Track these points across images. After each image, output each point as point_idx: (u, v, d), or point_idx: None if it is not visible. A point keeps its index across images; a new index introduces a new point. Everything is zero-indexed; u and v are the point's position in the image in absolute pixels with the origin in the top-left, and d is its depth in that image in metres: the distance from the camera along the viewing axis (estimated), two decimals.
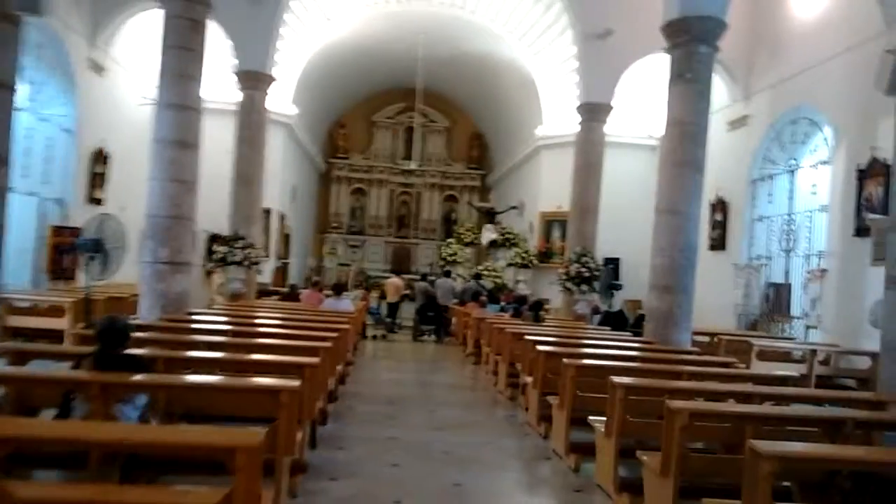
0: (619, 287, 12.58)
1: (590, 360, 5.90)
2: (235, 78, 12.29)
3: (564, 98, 16.56)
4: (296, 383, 3.78)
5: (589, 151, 12.79)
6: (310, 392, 4.34)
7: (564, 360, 5.28)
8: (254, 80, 12.18)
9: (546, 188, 17.62)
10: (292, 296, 11.37)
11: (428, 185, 24.75)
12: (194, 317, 7.49)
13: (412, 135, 23.80)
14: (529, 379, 6.50)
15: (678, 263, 8.45)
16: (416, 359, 11.27)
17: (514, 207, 18.98)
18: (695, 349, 8.19)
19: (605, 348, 7.28)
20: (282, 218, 17.71)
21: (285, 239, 18.61)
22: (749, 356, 9.21)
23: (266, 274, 16.42)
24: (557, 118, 17.06)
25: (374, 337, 13.81)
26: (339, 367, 6.41)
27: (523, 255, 17.23)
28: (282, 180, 17.37)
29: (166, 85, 8.16)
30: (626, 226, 15.96)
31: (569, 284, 12.19)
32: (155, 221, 8.11)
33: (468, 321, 11.83)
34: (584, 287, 12.07)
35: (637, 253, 16.23)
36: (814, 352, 8.67)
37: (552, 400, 5.58)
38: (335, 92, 21.47)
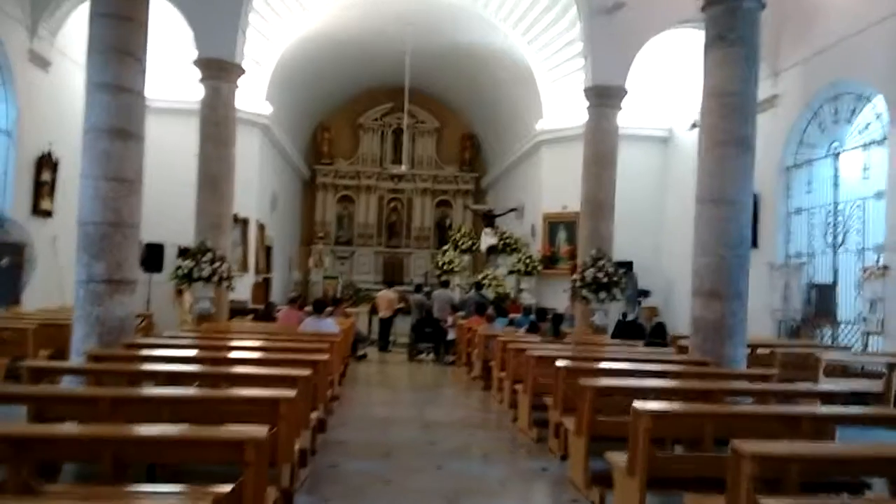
0: (647, 294, 11.09)
1: (672, 405, 4.32)
2: (196, 69, 10.75)
3: (567, 86, 15.16)
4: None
5: (601, 141, 11.33)
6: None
7: (635, 405, 3.73)
8: (218, 69, 10.66)
9: (549, 187, 16.17)
10: (267, 316, 9.81)
11: (419, 191, 23.27)
12: (133, 350, 5.92)
13: (400, 137, 22.28)
14: (569, 423, 4.94)
15: (728, 263, 7.00)
16: (414, 386, 9.72)
17: (513, 209, 17.52)
18: (763, 370, 6.68)
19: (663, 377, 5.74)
20: (261, 228, 16.15)
21: (266, 251, 17.04)
22: (809, 370, 7.80)
23: (244, 290, 14.87)
24: (559, 110, 15.66)
25: (360, 357, 12.20)
26: (315, 415, 4.88)
27: (526, 261, 15.75)
28: (260, 187, 15.84)
29: (98, 63, 6.64)
30: (637, 226, 14.53)
31: (584, 292, 10.68)
32: (87, 230, 6.56)
33: (472, 338, 10.31)
34: (603, 294, 10.57)
35: (651, 256, 14.84)
36: (893, 365, 7.22)
37: (615, 457, 3.99)
38: (316, 92, 19.98)
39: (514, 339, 7.92)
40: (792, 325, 10.73)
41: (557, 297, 15.03)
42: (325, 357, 5.13)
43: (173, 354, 5.46)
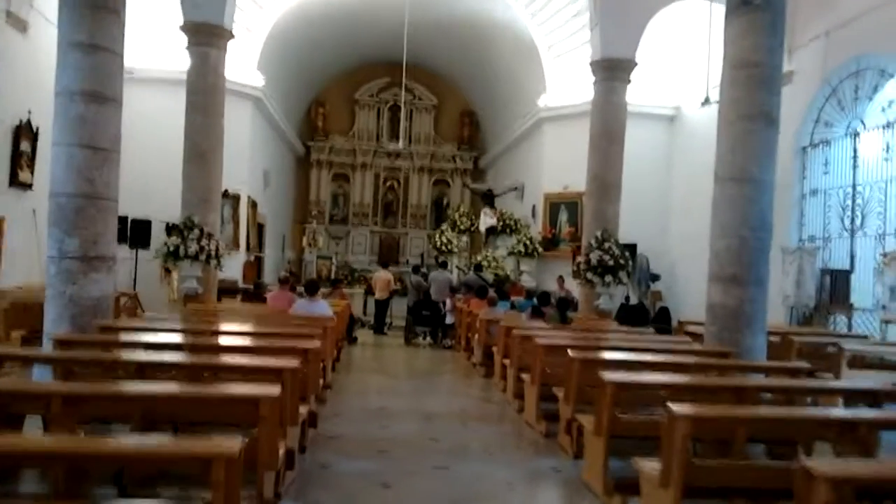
0: (657, 278, 10.65)
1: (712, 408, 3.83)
2: (183, 34, 10.14)
3: (572, 61, 14.59)
4: None
5: (609, 116, 10.82)
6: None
7: (672, 407, 3.26)
8: (206, 34, 10.06)
9: (550, 166, 15.65)
10: (257, 296, 9.32)
11: (416, 169, 22.68)
12: (106, 334, 5.43)
13: (397, 114, 21.72)
14: (584, 420, 4.48)
15: (749, 246, 6.54)
16: (412, 373, 9.26)
17: (514, 188, 16.99)
18: (794, 364, 6.23)
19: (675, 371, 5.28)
20: (253, 205, 15.62)
21: (258, 229, 16.52)
22: (825, 360, 7.37)
23: (235, 269, 14.38)
24: (563, 86, 15.09)
25: (353, 340, 11.72)
26: (305, 409, 4.39)
27: (527, 242, 15.27)
28: (251, 162, 15.28)
29: (70, 18, 6.09)
30: (642, 208, 14.02)
31: (589, 275, 10.23)
32: (60, 202, 6.06)
33: (473, 322, 9.86)
34: (609, 278, 10.12)
35: (655, 239, 14.36)
36: None
37: (644, 465, 3.51)
38: (310, 65, 19.32)
39: (519, 325, 7.47)
40: (804, 311, 10.31)
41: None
42: (316, 344, 4.67)
43: (149, 340, 4.99)
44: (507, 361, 6.87)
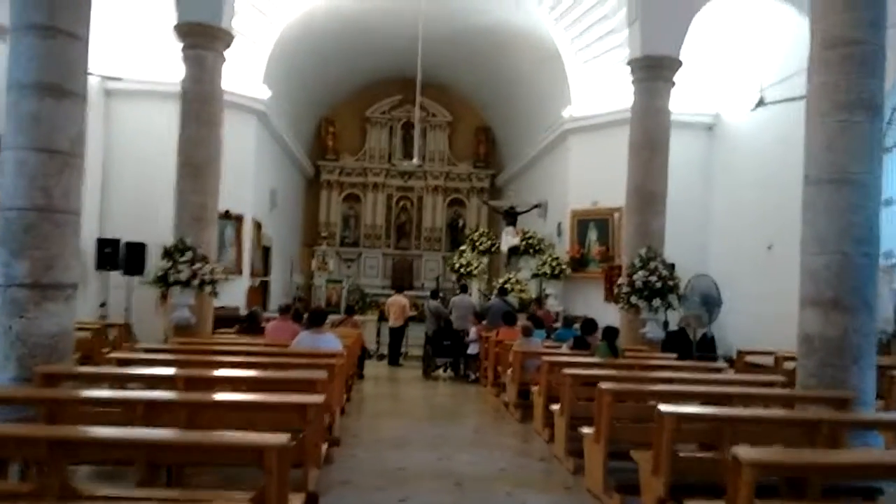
0: (719, 303, 9.38)
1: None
2: (175, 34, 9.12)
3: (601, 67, 13.51)
4: None
5: (650, 122, 9.67)
6: None
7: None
8: (202, 35, 9.03)
9: (577, 181, 14.48)
10: (253, 327, 8.13)
11: (430, 189, 21.63)
12: (49, 387, 4.26)
13: (410, 132, 20.64)
14: None
15: (854, 263, 5.31)
16: (434, 415, 7.90)
17: (537, 205, 15.81)
18: None
19: None
20: (258, 227, 14.52)
21: (264, 252, 15.41)
22: None
23: (238, 295, 13.26)
24: (590, 94, 13.99)
25: (360, 376, 10.45)
26: (300, 499, 3.16)
27: (553, 262, 14.04)
28: (256, 181, 14.22)
29: None
30: (680, 224, 12.79)
31: (634, 299, 8.99)
32: (7, 217, 4.94)
33: (501, 353, 8.62)
34: (657, 301, 8.87)
35: (695, 257, 13.07)
36: None
37: None
38: (319, 81, 18.36)
39: (570, 361, 6.20)
40: (881, 338, 8.99)
41: (589, 303, 13.35)
42: (318, 400, 3.48)
43: (97, 395, 3.82)
44: (554, 408, 5.64)
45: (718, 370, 6.51)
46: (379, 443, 6.11)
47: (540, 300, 12.55)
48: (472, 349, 10.53)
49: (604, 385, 4.39)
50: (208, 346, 6.69)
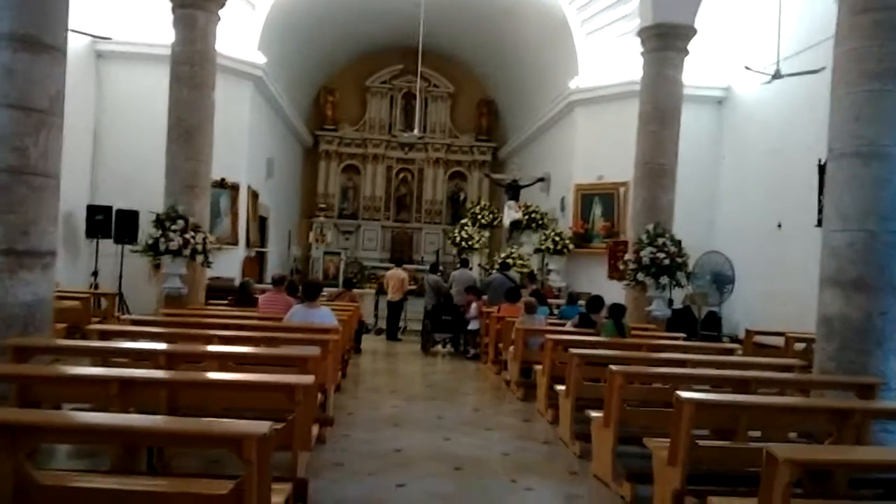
0: (731, 281, 9.09)
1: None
2: None
3: (608, 37, 13.07)
4: None
5: (661, 92, 9.30)
6: None
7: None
8: None
9: (583, 155, 14.13)
10: (245, 299, 7.84)
11: (431, 161, 21.21)
12: (18, 363, 3.98)
13: (411, 102, 20.16)
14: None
15: (880, 241, 5.01)
16: (433, 392, 7.61)
17: (541, 179, 15.46)
18: None
19: None
20: (254, 196, 14.19)
21: (260, 223, 15.10)
22: None
23: (233, 266, 12.99)
24: (598, 65, 13.56)
25: (357, 351, 10.20)
26: (286, 491, 2.86)
27: (555, 237, 13.74)
28: (252, 149, 13.86)
29: None
30: (685, 199, 12.45)
31: (640, 276, 8.71)
32: None
33: (503, 330, 8.35)
34: (665, 279, 8.59)
35: (703, 234, 12.76)
36: None
37: None
38: (318, 48, 17.85)
39: (576, 341, 5.92)
40: None
41: (592, 280, 13.08)
42: (307, 381, 3.20)
43: (69, 372, 3.54)
44: (559, 389, 5.38)
45: (730, 351, 6.25)
46: (375, 422, 5.86)
47: (533, 275, 12.22)
48: (473, 325, 10.28)
49: (615, 367, 4.12)
50: (197, 318, 6.41)
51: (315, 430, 4.06)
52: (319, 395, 5.01)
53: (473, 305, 10.26)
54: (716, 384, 4.43)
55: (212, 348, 4.38)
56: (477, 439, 5.45)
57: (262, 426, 2.25)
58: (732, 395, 3.75)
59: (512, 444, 5.44)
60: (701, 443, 3.33)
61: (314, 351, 4.19)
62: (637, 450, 4.25)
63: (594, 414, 4.45)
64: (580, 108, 14.15)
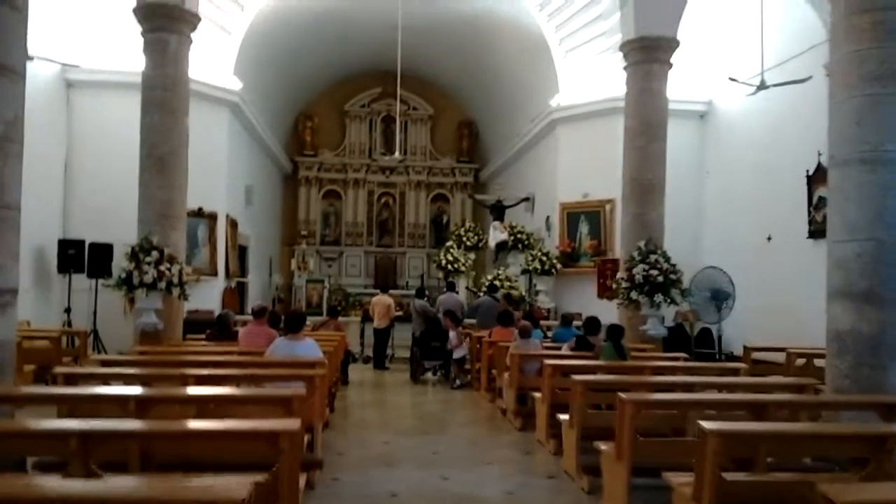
0: (729, 297, 8.87)
1: None
2: (136, 17, 8.41)
3: (588, 54, 13.01)
4: None
5: (646, 107, 9.17)
6: None
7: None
8: (165, 17, 8.32)
9: (567, 173, 13.96)
10: (224, 332, 7.45)
11: (412, 184, 20.99)
12: None
13: (391, 126, 19.95)
14: None
15: (890, 251, 4.81)
16: (426, 426, 7.19)
17: (526, 199, 15.28)
18: None
19: None
20: (233, 225, 13.82)
21: (240, 252, 14.71)
22: None
23: (213, 298, 12.57)
24: (578, 82, 13.47)
25: (345, 382, 9.84)
26: None
27: (542, 258, 13.51)
28: (229, 177, 13.51)
29: None
30: (670, 215, 12.23)
31: (634, 294, 8.46)
32: None
33: (496, 355, 8.03)
34: (659, 297, 8.35)
35: (687, 250, 12.56)
36: None
37: None
38: (295, 73, 17.63)
39: (576, 364, 5.61)
40: None
41: (581, 299, 12.82)
42: (293, 426, 2.85)
43: (26, 426, 3.18)
44: (562, 418, 5.07)
45: (736, 371, 6.00)
46: (366, 461, 5.49)
47: (510, 297, 11.85)
48: (458, 353, 9.92)
49: (625, 396, 3.83)
50: (173, 355, 6.03)
51: (302, 481, 3.70)
52: (307, 436, 4.66)
53: (452, 334, 9.92)
54: (721, 410, 4.15)
55: (189, 390, 4.02)
56: (477, 476, 5.10)
57: (242, 489, 1.92)
58: (760, 425, 3.48)
59: (515, 480, 5.07)
60: (728, 477, 3.03)
61: (299, 389, 3.85)
62: (652, 482, 3.95)
63: (603, 446, 4.14)
64: (562, 125, 14.03)
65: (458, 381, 9.90)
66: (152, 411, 3.67)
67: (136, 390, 3.89)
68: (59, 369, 4.58)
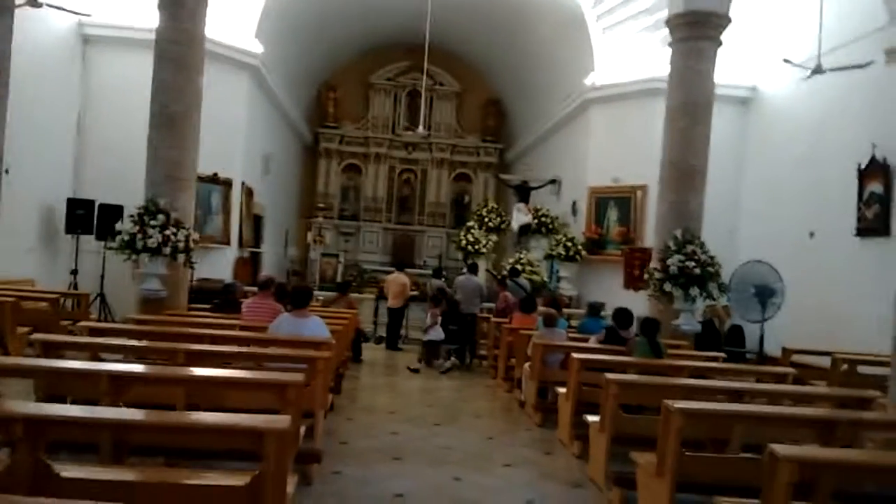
0: (774, 293, 8.26)
1: None
2: None
3: (626, 32, 12.32)
4: None
5: (692, 86, 8.50)
6: None
7: None
8: None
9: (598, 156, 13.35)
10: (229, 304, 7.02)
11: (435, 162, 20.44)
12: None
13: (416, 100, 19.37)
14: None
15: None
16: (439, 415, 6.61)
17: (552, 181, 14.68)
18: None
19: None
20: (249, 193, 13.39)
21: (255, 221, 14.31)
22: None
23: (225, 267, 12.20)
24: (616, 62, 12.79)
25: (358, 360, 9.47)
26: None
27: (567, 243, 12.94)
28: (247, 144, 13.07)
29: None
30: (708, 207, 11.63)
31: (667, 286, 7.89)
32: None
33: (516, 342, 7.52)
34: (695, 290, 7.77)
35: (724, 242, 11.93)
36: None
37: None
38: (320, 42, 17.07)
39: (608, 360, 5.07)
40: None
41: (606, 289, 12.25)
42: (282, 424, 2.37)
43: None
44: (591, 420, 4.55)
45: (783, 376, 5.43)
46: (371, 454, 5.02)
47: (545, 285, 11.25)
48: (430, 335, 9.68)
49: (672, 403, 3.30)
50: (169, 326, 5.60)
51: (297, 477, 3.23)
52: (307, 422, 4.21)
53: (429, 314, 9.70)
54: (796, 425, 3.61)
55: (175, 369, 3.57)
56: (493, 479, 4.60)
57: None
58: (832, 452, 2.93)
59: (536, 487, 4.53)
60: None
61: (296, 376, 3.39)
62: (696, 497, 3.44)
63: (641, 459, 3.62)
64: (595, 106, 13.37)
65: (444, 365, 9.51)
66: (130, 391, 3.23)
67: (111, 367, 3.45)
68: (35, 336, 4.16)
